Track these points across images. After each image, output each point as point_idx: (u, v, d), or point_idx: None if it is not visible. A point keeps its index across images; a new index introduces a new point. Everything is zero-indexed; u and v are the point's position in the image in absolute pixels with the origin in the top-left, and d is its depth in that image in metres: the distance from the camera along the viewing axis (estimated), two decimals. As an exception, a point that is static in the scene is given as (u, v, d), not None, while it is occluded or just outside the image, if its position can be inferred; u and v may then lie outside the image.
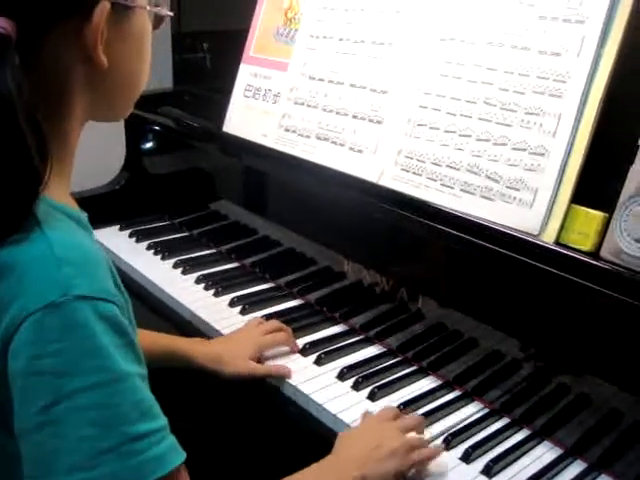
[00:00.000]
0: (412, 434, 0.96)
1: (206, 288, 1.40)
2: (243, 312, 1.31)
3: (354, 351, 1.20)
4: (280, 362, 1.15)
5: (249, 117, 1.44)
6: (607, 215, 0.90)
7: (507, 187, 1.00)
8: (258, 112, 1.42)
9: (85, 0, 0.67)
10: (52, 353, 0.61)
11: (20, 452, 0.64)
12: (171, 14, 0.82)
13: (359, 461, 0.89)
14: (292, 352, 1.19)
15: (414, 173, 1.11)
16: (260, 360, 1.15)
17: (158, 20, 0.80)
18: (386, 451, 0.90)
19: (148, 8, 0.76)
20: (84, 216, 0.76)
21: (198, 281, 1.43)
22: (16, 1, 0.64)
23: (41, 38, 0.67)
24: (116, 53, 0.72)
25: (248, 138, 1.41)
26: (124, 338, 0.66)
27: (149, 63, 0.79)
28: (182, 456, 0.68)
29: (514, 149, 1.00)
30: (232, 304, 1.34)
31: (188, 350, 1.14)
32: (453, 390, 1.11)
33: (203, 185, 1.65)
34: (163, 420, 0.68)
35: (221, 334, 1.24)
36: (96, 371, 0.62)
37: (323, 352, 1.17)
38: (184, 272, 1.47)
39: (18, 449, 0.64)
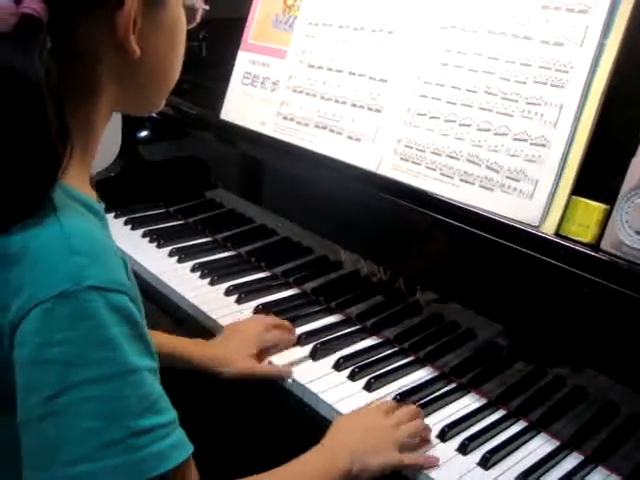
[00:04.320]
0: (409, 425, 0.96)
1: (202, 277, 1.39)
2: (239, 301, 1.31)
3: (350, 341, 1.20)
4: (279, 352, 1.15)
5: (247, 105, 1.42)
6: (608, 207, 0.89)
7: (507, 177, 0.99)
8: (256, 100, 1.41)
9: None
10: (60, 342, 0.60)
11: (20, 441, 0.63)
12: (206, 7, 0.80)
13: (349, 449, 0.90)
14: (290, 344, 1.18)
15: (413, 162, 1.10)
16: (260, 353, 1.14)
17: (192, 13, 0.79)
18: (377, 444, 0.91)
19: None
20: (101, 207, 0.75)
21: (194, 269, 1.42)
22: None
23: (73, 24, 0.66)
24: (149, 43, 0.71)
25: (246, 126, 1.40)
26: (135, 330, 0.65)
27: (182, 56, 0.78)
28: (187, 452, 0.67)
29: (515, 139, 0.99)
30: (228, 293, 1.33)
31: (189, 352, 1.12)
32: (450, 381, 1.10)
33: (199, 173, 1.64)
34: (170, 415, 0.66)
35: (217, 323, 1.23)
36: (104, 363, 0.61)
37: (319, 342, 1.17)
38: (180, 260, 1.46)
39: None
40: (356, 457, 0.89)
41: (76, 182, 0.69)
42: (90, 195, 0.73)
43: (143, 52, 0.70)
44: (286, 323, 1.20)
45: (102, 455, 0.61)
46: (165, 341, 1.12)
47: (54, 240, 0.63)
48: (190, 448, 0.67)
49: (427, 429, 0.97)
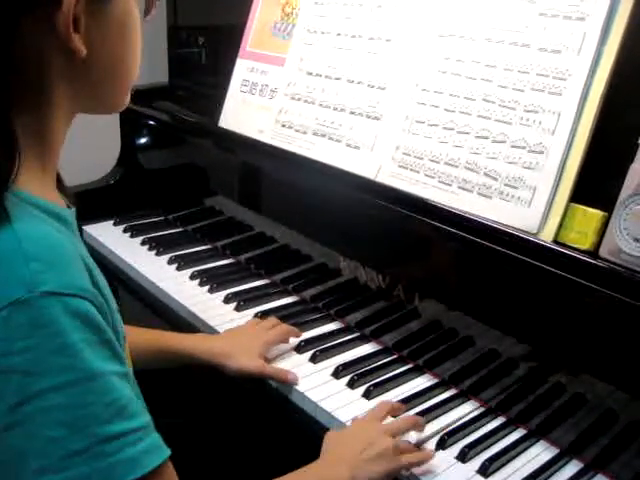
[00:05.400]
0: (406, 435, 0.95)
1: (201, 284, 1.39)
2: (238, 308, 1.30)
3: (349, 349, 1.20)
4: (278, 359, 1.15)
5: (245, 112, 1.43)
6: (606, 214, 0.89)
7: (505, 185, 0.99)
8: (255, 107, 1.41)
9: None
10: (19, 351, 0.59)
11: None
12: None
13: (348, 462, 0.88)
14: (293, 346, 1.18)
15: (412, 170, 1.10)
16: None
17: (148, 3, 0.77)
18: (376, 452, 0.90)
19: None
20: (69, 212, 0.73)
21: (193, 277, 1.42)
22: None
23: (12, 28, 0.64)
24: (97, 41, 0.69)
25: (244, 134, 1.41)
26: (98, 335, 0.63)
27: (138, 50, 0.75)
28: (162, 457, 0.65)
29: (513, 147, 0.99)
30: (227, 300, 1.33)
31: (186, 346, 1.11)
32: (449, 389, 1.10)
33: (198, 181, 1.64)
34: (142, 419, 0.65)
35: (216, 331, 1.23)
36: (65, 370, 0.60)
37: (318, 349, 1.17)
38: (179, 268, 1.46)
39: None
40: (359, 465, 0.88)
41: (33, 187, 0.67)
42: (53, 200, 0.71)
43: (91, 50, 0.68)
44: (288, 327, 1.20)
45: (67, 465, 0.59)
46: (150, 335, 1.11)
47: (8, 247, 0.61)
48: (166, 453, 0.66)
49: (420, 423, 0.97)
